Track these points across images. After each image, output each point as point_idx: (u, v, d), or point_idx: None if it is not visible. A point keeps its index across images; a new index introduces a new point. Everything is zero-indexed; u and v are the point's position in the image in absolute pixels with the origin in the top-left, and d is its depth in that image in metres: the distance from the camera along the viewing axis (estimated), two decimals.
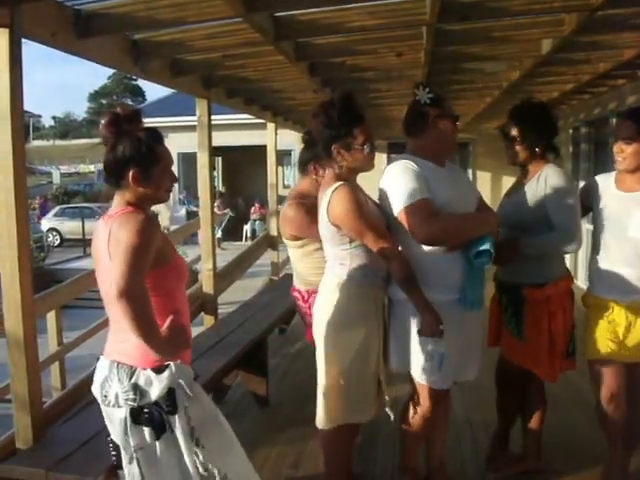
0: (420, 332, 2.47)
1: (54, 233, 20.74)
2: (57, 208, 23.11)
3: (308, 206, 3.12)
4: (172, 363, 1.98)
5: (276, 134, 8.13)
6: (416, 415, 2.74)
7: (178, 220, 15.95)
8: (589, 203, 2.88)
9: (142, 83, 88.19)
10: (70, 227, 20.53)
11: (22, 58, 2.65)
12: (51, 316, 4.70)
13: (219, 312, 5.72)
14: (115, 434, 2.08)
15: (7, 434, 2.90)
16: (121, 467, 2.09)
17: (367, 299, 2.61)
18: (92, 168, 51.28)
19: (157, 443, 2.00)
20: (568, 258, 6.81)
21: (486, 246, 2.46)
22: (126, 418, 1.98)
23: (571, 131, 8.97)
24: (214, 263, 5.53)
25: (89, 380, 3.85)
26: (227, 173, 20.48)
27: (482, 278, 2.57)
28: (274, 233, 7.82)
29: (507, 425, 3.27)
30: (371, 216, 2.52)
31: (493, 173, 11.94)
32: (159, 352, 1.89)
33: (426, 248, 2.53)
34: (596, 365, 2.81)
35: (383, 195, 2.61)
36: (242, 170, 19.17)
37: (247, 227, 17.81)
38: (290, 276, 3.88)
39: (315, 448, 3.49)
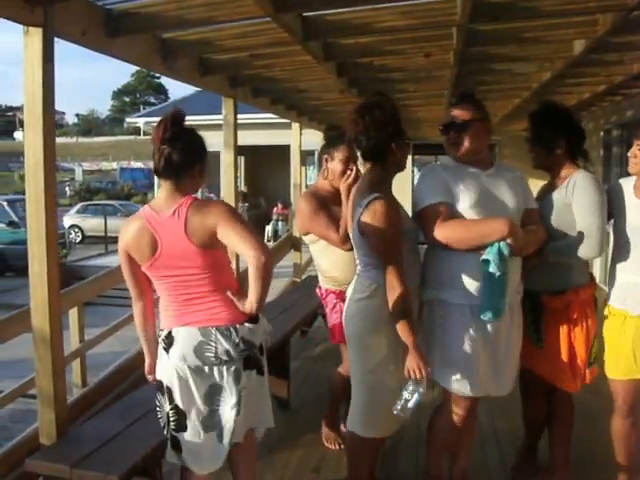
0: (407, 372, 2.44)
1: (76, 230, 20.93)
2: (79, 205, 23.36)
3: (319, 199, 3.19)
4: (259, 315, 2.37)
5: (301, 134, 8.13)
6: (443, 422, 2.70)
7: None
8: (611, 208, 2.82)
9: (165, 81, 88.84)
10: (92, 224, 20.76)
11: (54, 57, 2.67)
12: (73, 313, 4.74)
13: None
14: (223, 382, 2.34)
15: (31, 428, 2.93)
16: (182, 430, 2.35)
17: None
18: (114, 165, 51.86)
19: (262, 378, 2.45)
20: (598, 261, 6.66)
21: (488, 255, 2.42)
22: (238, 369, 2.33)
23: (602, 134, 8.80)
24: (237, 264, 5.52)
25: (111, 378, 3.93)
26: (248, 173, 20.52)
27: (502, 288, 2.46)
28: (297, 234, 7.80)
29: (534, 435, 3.20)
30: (396, 241, 2.46)
31: None
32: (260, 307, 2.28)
33: (448, 250, 2.52)
34: (613, 382, 2.80)
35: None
36: (263, 170, 19.18)
37: (269, 227, 17.79)
38: (313, 278, 3.87)
39: (336, 452, 3.48)
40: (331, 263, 3.31)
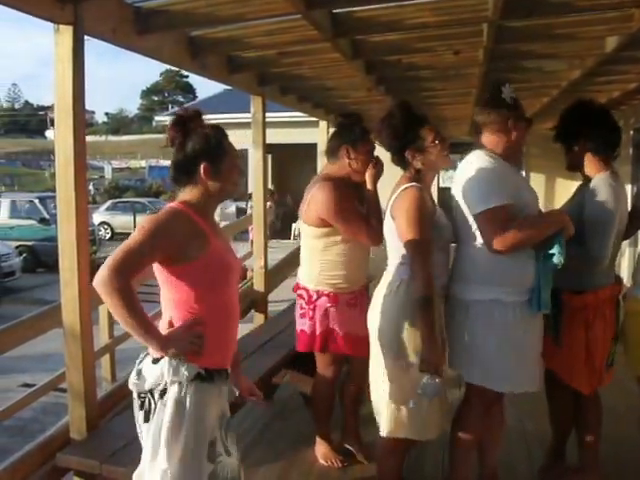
0: (420, 367, 2.40)
1: (105, 227, 21.24)
2: (109, 202, 23.67)
3: (342, 190, 2.95)
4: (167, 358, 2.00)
5: (328, 132, 8.10)
6: (470, 420, 2.67)
7: (228, 216, 16.07)
8: None
9: (193, 80, 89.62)
10: (121, 221, 21.02)
11: (85, 55, 2.69)
12: (103, 308, 4.80)
13: (268, 310, 5.72)
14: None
15: (61, 423, 2.96)
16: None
17: None
18: (143, 164, 52.47)
19: (145, 426, 2.05)
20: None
21: (554, 249, 2.41)
22: (133, 399, 2.10)
23: (632, 132, 8.62)
24: (266, 261, 5.53)
25: None
26: (275, 171, 20.56)
27: (551, 279, 2.50)
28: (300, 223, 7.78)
29: (562, 437, 3.15)
30: (424, 228, 2.47)
31: (547, 175, 11.65)
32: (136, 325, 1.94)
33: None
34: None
35: (459, 190, 2.57)
36: (290, 168, 19.20)
37: (295, 225, 17.79)
38: None
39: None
40: (345, 260, 3.04)
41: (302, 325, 3.19)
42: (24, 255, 14.16)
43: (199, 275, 2.03)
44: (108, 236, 20.97)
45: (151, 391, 2.02)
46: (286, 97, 5.86)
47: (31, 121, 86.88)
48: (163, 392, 2.01)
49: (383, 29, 3.60)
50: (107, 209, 22.32)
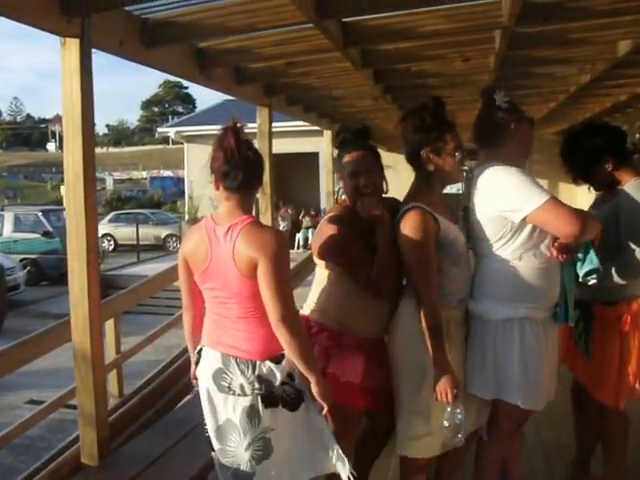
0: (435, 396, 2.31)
1: (109, 238, 21.23)
2: (112, 214, 23.69)
3: (346, 227, 2.52)
4: (284, 354, 2.18)
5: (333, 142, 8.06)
6: (497, 442, 2.58)
7: None
8: None
9: (192, 91, 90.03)
10: (124, 233, 21.06)
11: (92, 68, 2.63)
12: (110, 323, 4.72)
13: None
14: (235, 419, 2.19)
15: (71, 450, 2.88)
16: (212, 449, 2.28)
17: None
18: (144, 174, 52.64)
19: (297, 414, 2.20)
20: None
21: (594, 265, 2.38)
22: (253, 405, 2.15)
23: (637, 136, 8.61)
24: None
25: (152, 392, 3.89)
26: (277, 181, 20.50)
27: (575, 292, 2.47)
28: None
29: (587, 449, 3.10)
30: (426, 252, 2.36)
31: (550, 180, 11.57)
32: (310, 362, 2.17)
33: (526, 263, 2.37)
34: None
35: (484, 203, 2.44)
36: (291, 178, 19.15)
37: (299, 235, 17.75)
38: None
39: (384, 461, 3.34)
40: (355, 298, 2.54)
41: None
42: (28, 268, 14.09)
43: None
44: (111, 248, 20.97)
45: (283, 382, 2.18)
46: (293, 107, 5.81)
47: (33, 134, 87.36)
48: (291, 377, 2.21)
49: (395, 37, 3.53)
50: (110, 221, 22.33)
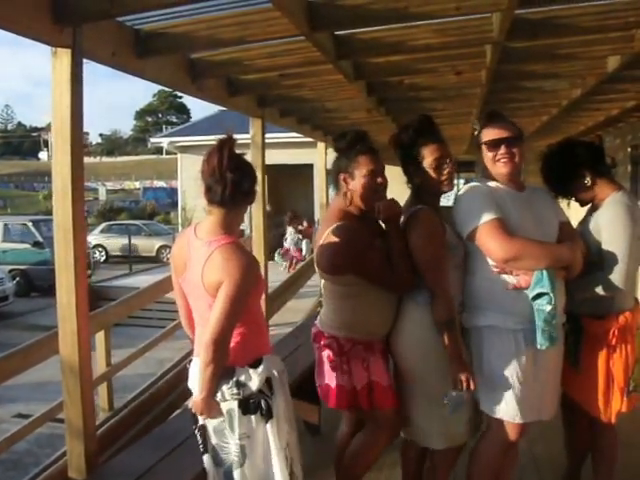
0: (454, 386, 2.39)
1: (100, 249, 21.01)
2: (104, 224, 23.54)
3: (356, 232, 2.50)
4: (264, 356, 2.28)
5: (326, 153, 8.07)
6: (489, 451, 2.61)
7: None
8: None
9: (187, 101, 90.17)
10: (116, 243, 20.88)
11: (83, 79, 2.62)
12: (100, 336, 4.68)
13: (269, 334, 5.62)
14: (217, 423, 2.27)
15: (59, 464, 2.85)
16: (207, 451, 2.32)
17: None
18: (137, 185, 52.54)
19: (266, 427, 2.22)
20: None
21: (542, 289, 2.35)
22: (232, 410, 2.21)
23: (629, 149, 8.65)
24: (266, 284, 5.43)
25: (140, 407, 3.85)
26: (271, 192, 20.49)
27: (554, 316, 2.39)
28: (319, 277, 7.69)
29: (577, 462, 3.11)
30: (440, 248, 2.46)
31: None
32: (210, 382, 2.17)
33: (502, 275, 2.46)
34: None
35: (455, 219, 2.56)
36: (285, 188, 19.16)
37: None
38: None
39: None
40: (372, 308, 2.57)
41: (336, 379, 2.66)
42: (17, 279, 14.01)
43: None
44: (103, 259, 20.76)
45: (260, 390, 2.22)
46: (286, 119, 5.82)
47: (24, 142, 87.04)
48: (268, 386, 2.25)
49: (387, 51, 3.55)
50: (102, 231, 22.11)
